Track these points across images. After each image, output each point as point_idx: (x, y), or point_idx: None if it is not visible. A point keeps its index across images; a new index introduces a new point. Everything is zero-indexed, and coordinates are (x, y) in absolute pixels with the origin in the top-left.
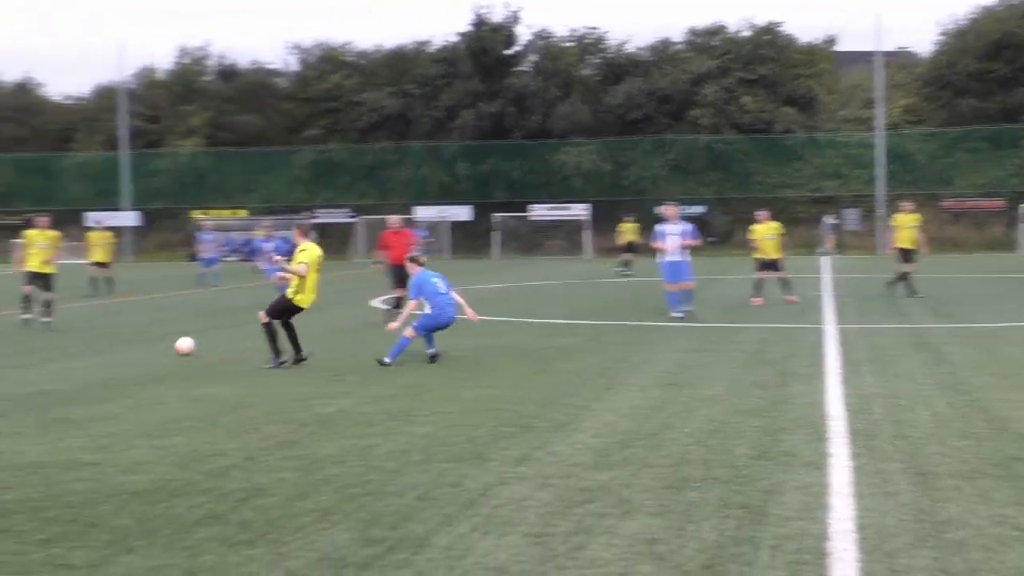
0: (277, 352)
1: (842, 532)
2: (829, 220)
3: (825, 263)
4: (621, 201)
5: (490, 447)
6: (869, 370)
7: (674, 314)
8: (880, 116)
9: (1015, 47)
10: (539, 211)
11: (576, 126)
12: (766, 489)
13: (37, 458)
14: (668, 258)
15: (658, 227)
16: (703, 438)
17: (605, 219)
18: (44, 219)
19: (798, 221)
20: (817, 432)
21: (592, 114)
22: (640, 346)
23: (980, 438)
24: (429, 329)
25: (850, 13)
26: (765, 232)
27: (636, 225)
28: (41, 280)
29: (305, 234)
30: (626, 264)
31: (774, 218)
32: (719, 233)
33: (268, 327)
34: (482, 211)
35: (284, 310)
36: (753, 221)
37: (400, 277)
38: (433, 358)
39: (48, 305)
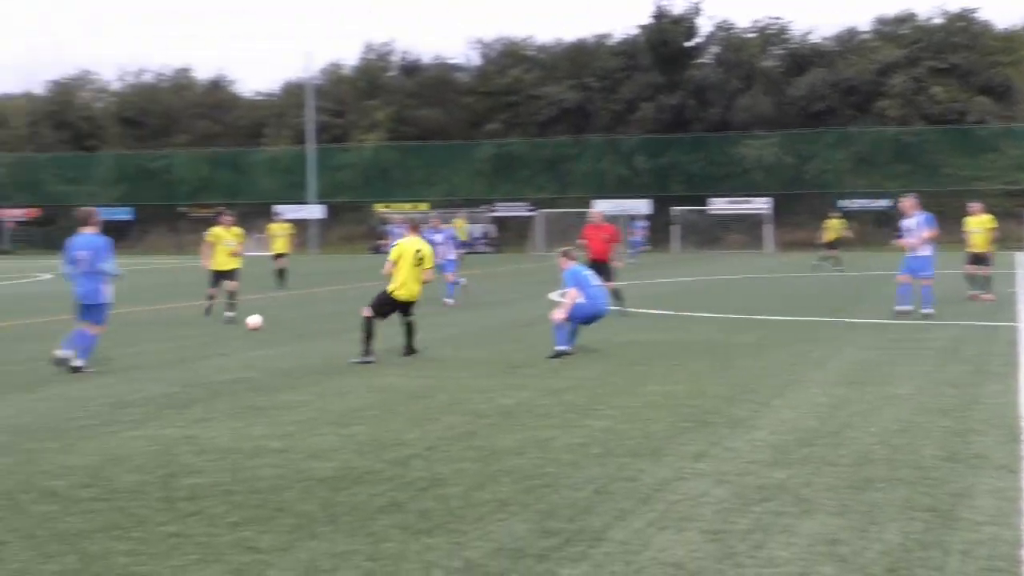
0: (368, 351)
1: None
2: None
3: (1020, 259)
4: (802, 194)
5: (668, 442)
6: None
7: (898, 308)
8: None
9: None
10: (719, 205)
11: (757, 118)
12: (955, 492)
13: (227, 444)
14: (913, 253)
15: (902, 223)
16: (888, 437)
17: (786, 213)
18: (229, 217)
19: (990, 215)
20: (1011, 434)
21: (774, 106)
22: (824, 342)
23: None
24: (583, 319)
25: None
26: (975, 225)
27: (843, 221)
28: (226, 274)
29: (414, 229)
30: (827, 260)
31: (975, 212)
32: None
33: (369, 321)
34: (661, 205)
35: (383, 303)
36: (966, 214)
37: (598, 271)
38: (560, 354)
39: (232, 296)
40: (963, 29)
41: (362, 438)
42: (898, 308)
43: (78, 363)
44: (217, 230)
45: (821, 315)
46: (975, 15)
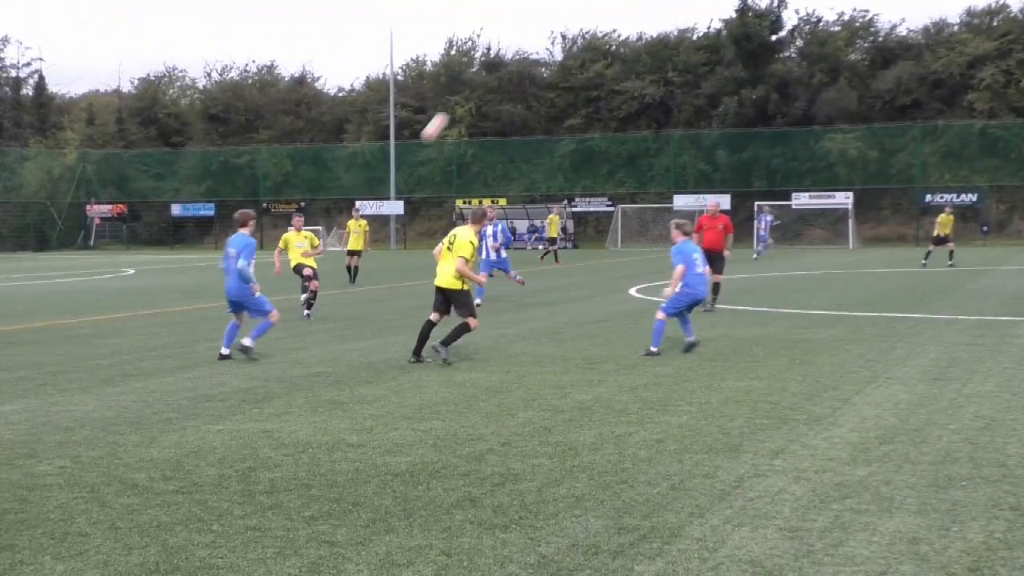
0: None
1: None
2: None
3: None
4: (887, 189)
5: (745, 439)
6: None
7: None
8: None
9: None
10: (801, 199)
11: (841, 112)
12: None
13: (305, 438)
14: None
15: None
16: (971, 435)
17: (868, 208)
18: (299, 219)
19: None
20: None
21: (858, 100)
22: (907, 339)
23: None
24: (680, 308)
25: None
26: None
27: (953, 218)
28: (303, 273)
29: (473, 219)
30: (932, 254)
31: None
32: (992, 222)
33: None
34: (741, 200)
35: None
36: None
37: (710, 261)
38: (690, 347)
39: (313, 295)
40: None
41: (438, 433)
42: None
43: (247, 342)
44: (288, 236)
45: (904, 311)
46: None
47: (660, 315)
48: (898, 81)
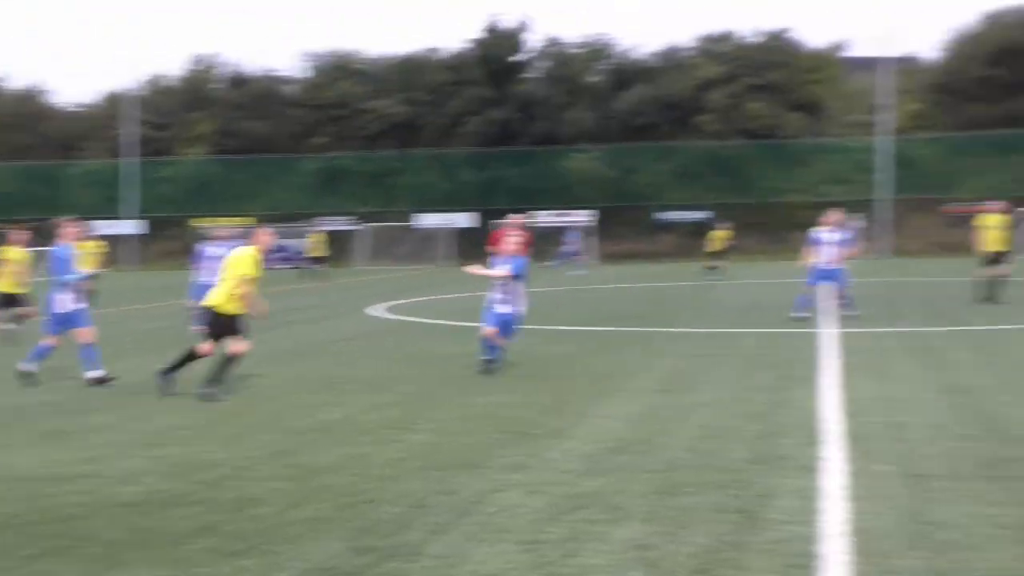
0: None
1: (835, 535)
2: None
3: None
4: (625, 207)
5: (486, 455)
6: (866, 374)
7: (796, 315)
8: (885, 121)
9: (1020, 53)
10: (543, 218)
11: (583, 132)
12: (760, 493)
13: (27, 471)
14: (823, 265)
15: (814, 233)
16: (697, 443)
17: (610, 225)
18: (22, 235)
19: (799, 226)
20: (812, 436)
21: (599, 120)
22: (641, 352)
23: (974, 439)
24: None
25: (860, 20)
26: (992, 223)
27: (728, 232)
28: (14, 299)
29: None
30: (714, 269)
31: (994, 211)
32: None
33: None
34: (486, 218)
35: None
36: (783, 224)
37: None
38: (491, 364)
39: (17, 320)
40: (778, 48)
41: (174, 459)
42: (795, 315)
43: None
44: (9, 250)
45: (641, 325)
46: (789, 35)
47: (490, 330)
48: (635, 102)
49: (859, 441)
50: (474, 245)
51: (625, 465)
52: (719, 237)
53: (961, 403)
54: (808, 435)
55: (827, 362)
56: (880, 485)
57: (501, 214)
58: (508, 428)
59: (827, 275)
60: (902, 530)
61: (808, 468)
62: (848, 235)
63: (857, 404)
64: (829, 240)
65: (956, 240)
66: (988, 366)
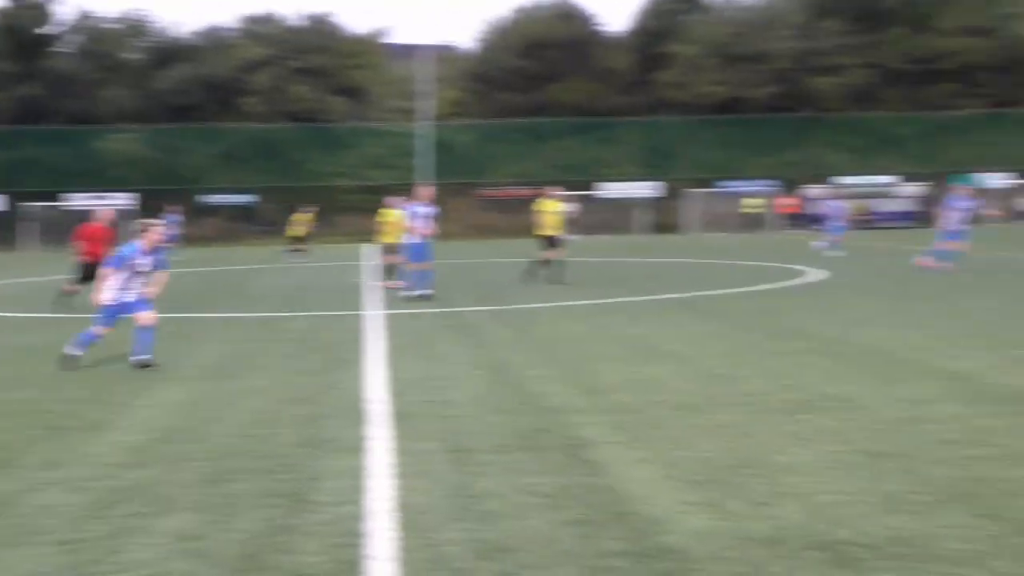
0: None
1: (381, 512)
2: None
3: (366, 251)
4: (171, 190)
5: (19, 453)
6: (411, 353)
7: (418, 293)
8: (425, 108)
9: (547, 46)
10: (78, 200)
11: (122, 112)
12: (309, 476)
13: None
14: (418, 239)
15: (409, 207)
16: (247, 429)
17: (156, 208)
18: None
19: (346, 210)
20: (358, 417)
21: (139, 100)
22: (187, 338)
23: (513, 413)
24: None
25: (401, 7)
26: (548, 207)
27: (310, 216)
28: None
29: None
30: (296, 253)
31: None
32: (270, 222)
33: None
34: (14, 201)
35: None
36: (336, 208)
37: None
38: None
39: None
40: (321, 32)
41: None
42: (418, 293)
43: None
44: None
45: (192, 311)
46: (332, 19)
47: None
48: (177, 82)
49: (404, 420)
50: (3, 229)
51: (171, 455)
52: (301, 220)
53: (499, 379)
54: (354, 416)
55: (374, 344)
56: (425, 461)
57: (32, 197)
58: (42, 423)
59: (422, 249)
60: (447, 503)
61: (355, 449)
62: (434, 210)
63: (402, 384)
64: (426, 214)
65: (491, 223)
66: (522, 343)
